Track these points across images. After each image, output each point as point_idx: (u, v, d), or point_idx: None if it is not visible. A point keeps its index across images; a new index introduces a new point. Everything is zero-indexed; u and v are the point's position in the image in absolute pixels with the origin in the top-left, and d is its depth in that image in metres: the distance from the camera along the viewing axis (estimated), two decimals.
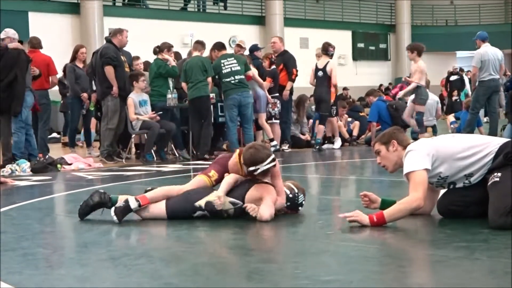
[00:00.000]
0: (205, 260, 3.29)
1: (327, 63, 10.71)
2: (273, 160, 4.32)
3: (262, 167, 4.29)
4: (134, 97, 9.60)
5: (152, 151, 9.65)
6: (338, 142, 11.36)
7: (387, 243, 3.66)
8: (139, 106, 9.63)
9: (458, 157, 3.98)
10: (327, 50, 10.86)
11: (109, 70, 9.49)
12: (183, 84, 10.01)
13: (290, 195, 4.46)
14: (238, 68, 9.98)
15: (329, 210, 5.00)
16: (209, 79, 9.96)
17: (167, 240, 3.93)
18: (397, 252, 3.43)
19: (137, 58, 10.61)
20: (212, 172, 4.59)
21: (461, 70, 22.85)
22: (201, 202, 4.31)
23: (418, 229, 3.98)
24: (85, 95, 10.62)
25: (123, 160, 9.68)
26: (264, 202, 4.27)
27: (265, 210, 4.21)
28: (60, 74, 11.21)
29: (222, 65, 9.99)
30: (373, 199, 4.30)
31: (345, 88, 22.29)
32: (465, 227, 3.83)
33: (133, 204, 4.32)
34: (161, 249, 3.63)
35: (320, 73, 10.74)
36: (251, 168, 4.30)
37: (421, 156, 3.97)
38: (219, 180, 4.54)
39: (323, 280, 2.83)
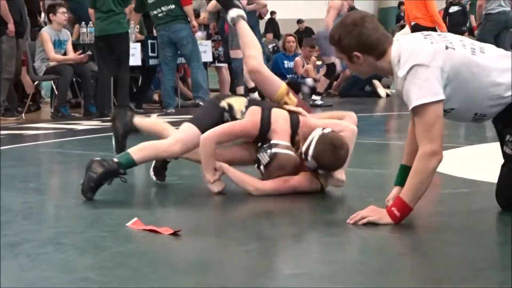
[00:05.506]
0: (131, 248, 3.31)
1: None
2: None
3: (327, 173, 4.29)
4: (50, 33, 9.50)
5: None
6: None
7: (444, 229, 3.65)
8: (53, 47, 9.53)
9: (488, 86, 3.46)
10: None
11: (2, 3, 9.16)
12: (90, 11, 9.71)
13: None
14: None
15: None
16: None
17: (80, 221, 3.93)
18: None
19: None
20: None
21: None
22: (225, 103, 4.48)
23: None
24: None
25: (23, 115, 9.60)
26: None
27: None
28: None
29: None
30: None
31: (299, 21, 21.85)
32: None
33: None
34: (73, 233, 3.62)
35: None
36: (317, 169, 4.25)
37: (434, 76, 3.34)
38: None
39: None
